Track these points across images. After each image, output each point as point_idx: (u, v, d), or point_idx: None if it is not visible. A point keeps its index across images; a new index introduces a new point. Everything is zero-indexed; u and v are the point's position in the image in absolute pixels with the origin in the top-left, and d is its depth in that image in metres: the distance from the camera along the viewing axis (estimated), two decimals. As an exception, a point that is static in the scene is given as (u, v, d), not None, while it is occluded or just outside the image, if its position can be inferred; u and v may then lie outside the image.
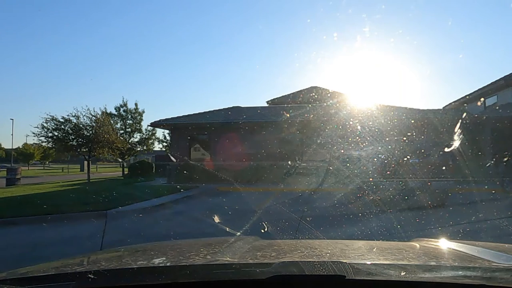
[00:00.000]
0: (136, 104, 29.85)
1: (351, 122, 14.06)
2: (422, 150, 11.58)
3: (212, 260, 1.25)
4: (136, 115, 29.68)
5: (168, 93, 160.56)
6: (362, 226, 6.27)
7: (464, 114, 15.43)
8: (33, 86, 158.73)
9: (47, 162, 63.45)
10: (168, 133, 30.09)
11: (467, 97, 21.02)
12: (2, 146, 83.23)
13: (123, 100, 30.56)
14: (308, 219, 6.78)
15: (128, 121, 29.36)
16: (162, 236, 5.93)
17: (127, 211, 8.86)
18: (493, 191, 11.73)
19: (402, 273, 0.99)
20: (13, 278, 1.04)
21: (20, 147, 57.86)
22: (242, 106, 20.58)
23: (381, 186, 9.23)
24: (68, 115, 19.49)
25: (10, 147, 56.72)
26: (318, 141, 15.63)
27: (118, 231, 6.75)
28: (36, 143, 45.12)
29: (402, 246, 1.62)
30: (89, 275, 1.00)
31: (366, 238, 5.04)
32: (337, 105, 19.42)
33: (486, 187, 12.59)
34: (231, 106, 20.52)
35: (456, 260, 1.30)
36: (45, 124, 19.09)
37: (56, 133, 19.38)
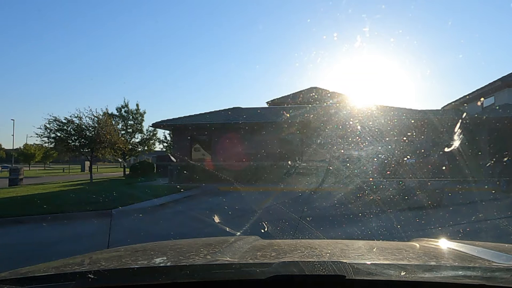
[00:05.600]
0: (137, 105, 29.96)
1: (351, 122, 14.06)
2: (422, 150, 11.57)
3: (212, 260, 1.25)
4: (137, 115, 29.73)
5: (169, 93, 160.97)
6: (362, 226, 6.27)
7: (463, 115, 15.43)
8: (34, 87, 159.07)
9: (47, 163, 63.45)
10: (169, 134, 30.16)
11: (466, 97, 21.04)
12: (3, 147, 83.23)
13: (124, 101, 30.67)
14: (308, 219, 6.78)
15: (129, 122, 29.40)
16: (163, 236, 5.94)
17: (130, 210, 8.91)
18: (493, 191, 11.74)
19: (402, 273, 0.99)
20: (13, 278, 1.04)
21: (21, 147, 57.84)
22: (242, 106, 20.61)
23: (381, 186, 9.23)
24: (70, 116, 19.58)
25: (11, 148, 56.75)
26: (318, 141, 15.63)
27: (121, 230, 6.78)
28: (37, 144, 45.30)
29: (402, 246, 1.62)
30: (89, 275, 1.00)
31: (366, 238, 5.04)
32: (337, 105, 19.44)
33: (485, 186, 12.60)
34: (232, 106, 20.56)
35: (456, 260, 1.30)
36: (47, 125, 19.16)
37: (59, 134, 19.43)
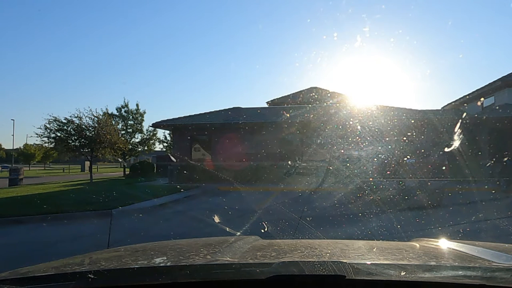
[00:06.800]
0: (137, 105, 29.95)
1: (351, 122, 14.06)
2: (422, 150, 11.58)
3: (212, 260, 1.25)
4: (137, 115, 29.72)
5: (169, 93, 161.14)
6: (362, 226, 6.27)
7: (463, 115, 15.43)
8: (34, 87, 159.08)
9: (47, 163, 63.43)
10: (169, 134, 30.16)
11: (466, 97, 21.05)
12: (3, 147, 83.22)
13: (124, 101, 30.68)
14: (308, 219, 6.78)
15: (129, 122, 29.39)
16: (163, 236, 5.94)
17: (130, 210, 8.91)
18: (493, 191, 11.74)
19: (402, 273, 0.99)
20: (13, 278, 1.04)
21: (21, 147, 57.85)
22: (242, 106, 20.60)
23: (381, 186, 9.23)
24: (70, 116, 19.54)
25: (11, 148, 56.78)
26: (318, 141, 15.63)
27: (121, 230, 6.78)
28: (37, 144, 45.28)
29: (402, 246, 1.62)
30: (89, 275, 1.00)
31: (366, 238, 5.04)
32: (337, 105, 19.44)
33: (485, 186, 12.61)
34: (232, 106, 20.55)
35: (456, 260, 1.30)
36: (48, 125, 19.14)
37: (59, 134, 19.41)
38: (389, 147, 11.39)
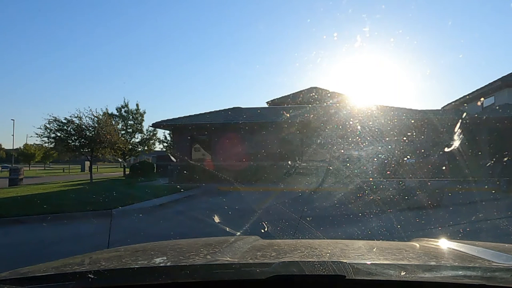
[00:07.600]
0: (137, 105, 29.96)
1: (351, 122, 14.05)
2: (422, 150, 11.56)
3: (212, 260, 1.25)
4: (137, 115, 29.72)
5: (169, 93, 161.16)
6: (362, 226, 6.27)
7: (463, 115, 15.44)
8: (34, 87, 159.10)
9: (47, 163, 63.42)
10: (169, 134, 30.16)
11: (466, 97, 21.05)
12: (3, 147, 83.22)
13: (124, 101, 30.68)
14: (308, 219, 6.77)
15: (129, 122, 29.39)
16: (163, 236, 5.94)
17: (130, 210, 8.91)
18: (493, 191, 11.74)
19: (402, 273, 0.99)
20: (13, 278, 1.04)
21: (21, 147, 57.85)
22: (242, 106, 20.59)
23: (381, 186, 9.22)
24: (70, 116, 19.54)
25: (11, 148, 56.79)
26: (318, 141, 15.63)
27: (121, 230, 6.78)
28: (37, 144, 45.28)
29: (402, 246, 1.62)
30: (89, 275, 1.00)
31: (366, 238, 5.04)
32: (337, 105, 19.44)
33: (485, 186, 12.60)
34: (232, 106, 20.54)
35: (456, 260, 1.30)
36: (48, 125, 19.14)
37: (59, 134, 19.40)
38: (389, 147, 11.38)
